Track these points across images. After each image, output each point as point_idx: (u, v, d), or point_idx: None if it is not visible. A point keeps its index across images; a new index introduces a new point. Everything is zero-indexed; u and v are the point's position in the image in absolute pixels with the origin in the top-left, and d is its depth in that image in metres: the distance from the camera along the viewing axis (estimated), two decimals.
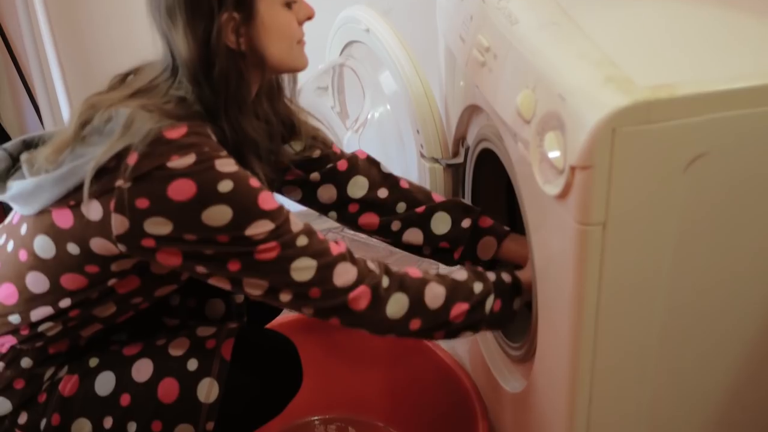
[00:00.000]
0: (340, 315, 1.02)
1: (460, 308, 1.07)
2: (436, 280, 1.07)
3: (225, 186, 0.93)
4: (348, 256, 1.02)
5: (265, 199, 0.96)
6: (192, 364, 1.08)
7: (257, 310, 1.26)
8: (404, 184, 1.28)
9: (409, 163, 1.53)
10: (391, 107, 1.57)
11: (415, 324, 1.05)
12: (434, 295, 1.06)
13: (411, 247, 1.29)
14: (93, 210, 0.94)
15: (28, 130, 2.17)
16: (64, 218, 0.97)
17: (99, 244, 0.96)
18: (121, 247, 0.95)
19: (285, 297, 1.00)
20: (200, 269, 0.98)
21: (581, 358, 0.97)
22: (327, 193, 1.26)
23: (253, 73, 1.02)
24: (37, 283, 1.01)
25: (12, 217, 1.07)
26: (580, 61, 0.89)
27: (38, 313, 1.02)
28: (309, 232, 1.00)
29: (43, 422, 1.05)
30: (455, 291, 1.08)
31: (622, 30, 1.00)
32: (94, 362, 1.09)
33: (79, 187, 0.94)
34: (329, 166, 1.25)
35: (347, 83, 1.71)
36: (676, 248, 0.91)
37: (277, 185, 1.23)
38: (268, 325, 1.36)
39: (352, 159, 1.27)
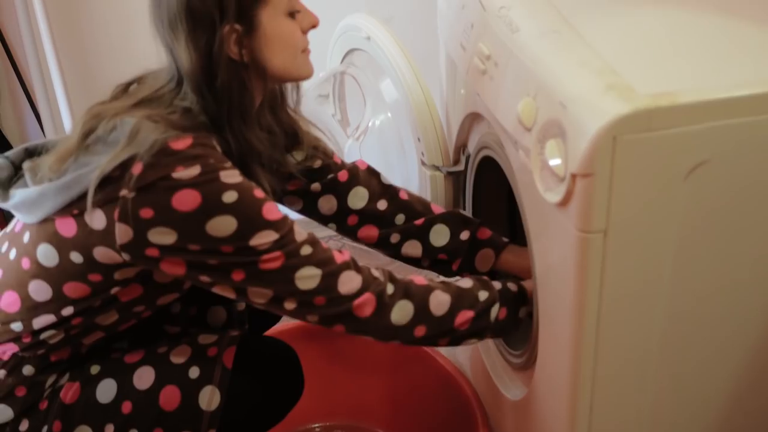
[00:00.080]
0: (344, 322, 1.02)
1: (465, 316, 1.07)
2: (441, 288, 1.08)
3: (229, 197, 0.93)
4: (352, 264, 1.02)
5: (269, 209, 0.96)
6: (194, 372, 1.08)
7: (258, 317, 1.26)
8: (404, 195, 1.29)
9: (410, 171, 1.53)
10: (392, 115, 1.57)
11: (420, 331, 1.05)
12: (439, 302, 1.06)
13: (410, 259, 1.29)
14: (96, 219, 0.94)
15: (29, 137, 2.17)
16: (67, 227, 0.97)
17: (102, 253, 0.96)
18: (125, 257, 0.95)
19: (289, 305, 1.00)
20: (204, 279, 0.98)
21: (582, 365, 0.97)
22: (327, 203, 1.26)
23: (256, 84, 1.02)
24: (40, 291, 1.00)
25: (14, 225, 1.07)
26: (581, 69, 0.89)
27: (40, 321, 1.02)
28: (313, 241, 1.00)
29: (45, 429, 1.05)
30: (460, 298, 1.08)
31: (623, 38, 1.00)
32: (95, 370, 1.08)
33: (82, 196, 0.94)
34: (330, 176, 1.25)
35: (348, 91, 1.71)
36: (677, 255, 0.92)
37: (279, 195, 1.23)
38: (267, 332, 1.35)
39: (353, 169, 1.27)
